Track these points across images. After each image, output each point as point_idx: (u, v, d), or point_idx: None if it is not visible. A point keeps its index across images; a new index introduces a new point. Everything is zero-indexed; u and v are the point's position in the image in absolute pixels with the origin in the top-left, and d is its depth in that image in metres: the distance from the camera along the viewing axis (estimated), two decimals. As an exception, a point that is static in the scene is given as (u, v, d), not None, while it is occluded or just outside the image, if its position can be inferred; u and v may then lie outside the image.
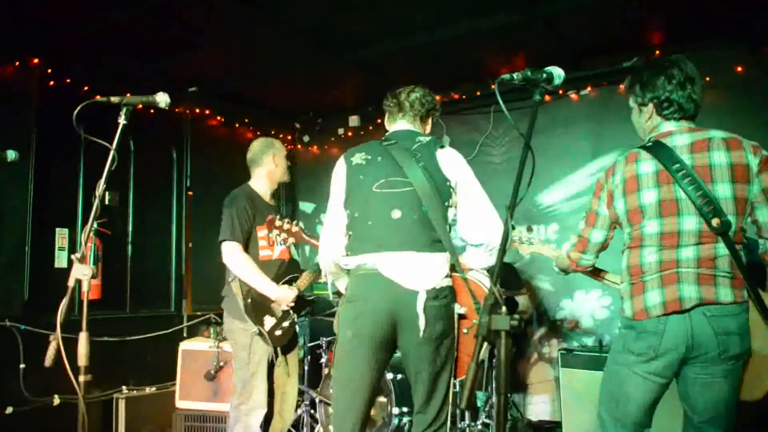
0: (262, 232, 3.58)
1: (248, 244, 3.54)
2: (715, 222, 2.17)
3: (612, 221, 2.43)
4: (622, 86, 5.23)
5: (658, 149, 2.30)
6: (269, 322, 3.50)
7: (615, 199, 2.37)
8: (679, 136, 2.32)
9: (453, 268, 2.64)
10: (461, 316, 2.63)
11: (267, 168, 3.73)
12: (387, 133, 2.91)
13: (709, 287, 2.18)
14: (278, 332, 3.52)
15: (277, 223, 3.19)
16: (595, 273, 2.79)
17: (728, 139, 2.27)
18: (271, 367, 3.65)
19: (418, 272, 2.54)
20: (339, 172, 2.79)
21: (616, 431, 2.36)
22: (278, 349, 3.58)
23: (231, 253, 3.46)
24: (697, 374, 2.24)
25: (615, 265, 2.60)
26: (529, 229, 3.18)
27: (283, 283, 3.56)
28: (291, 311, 3.57)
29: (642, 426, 2.34)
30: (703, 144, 2.27)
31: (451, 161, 2.75)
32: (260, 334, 3.48)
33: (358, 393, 2.57)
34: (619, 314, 5.31)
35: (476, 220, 2.70)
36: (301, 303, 3.63)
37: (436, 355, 2.55)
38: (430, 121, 3.02)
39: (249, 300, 3.47)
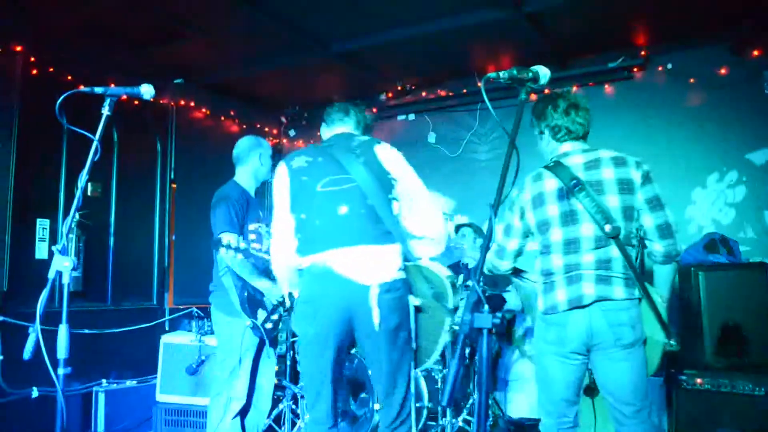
0: (251, 226, 3.60)
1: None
2: (607, 228, 2.52)
3: (524, 231, 2.77)
4: (607, 86, 5.36)
5: (558, 168, 2.66)
6: (261, 315, 3.52)
7: (525, 212, 2.73)
8: (573, 156, 2.69)
9: (406, 257, 2.74)
10: (417, 308, 2.72)
11: (253, 166, 3.74)
12: (326, 138, 3.06)
13: (605, 286, 2.55)
14: (268, 325, 3.53)
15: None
16: (516, 273, 3.07)
17: (615, 157, 2.65)
18: (256, 361, 3.65)
19: (370, 266, 2.62)
20: (281, 178, 2.85)
21: (550, 406, 2.72)
22: (268, 341, 3.61)
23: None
24: (601, 360, 2.60)
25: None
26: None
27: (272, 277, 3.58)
28: (279, 306, 3.57)
29: (570, 402, 2.69)
30: (594, 162, 2.64)
31: (390, 156, 2.85)
32: (254, 326, 3.49)
33: (325, 386, 2.71)
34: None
35: (416, 213, 2.81)
36: (289, 297, 3.64)
37: (392, 348, 2.65)
38: (365, 129, 3.13)
39: (245, 293, 3.49)
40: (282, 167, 2.87)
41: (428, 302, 2.77)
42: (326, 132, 3.08)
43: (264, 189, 6.74)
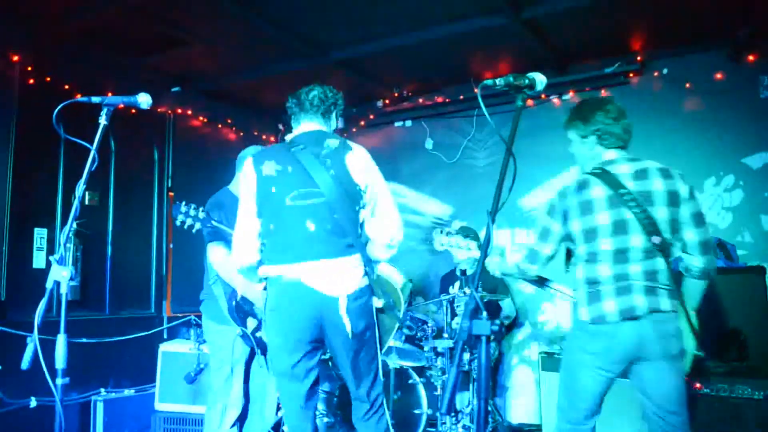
0: None
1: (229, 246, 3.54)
2: (656, 240, 2.52)
3: (562, 237, 2.72)
4: (604, 92, 5.37)
5: (606, 176, 2.61)
6: (251, 323, 3.50)
7: (569, 218, 2.66)
8: (620, 164, 2.65)
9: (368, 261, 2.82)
10: (378, 310, 2.90)
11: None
12: (294, 135, 2.96)
13: (654, 297, 2.54)
14: (259, 333, 3.52)
15: None
16: (541, 281, 3.09)
17: (662, 169, 2.64)
18: (248, 369, 3.65)
19: (337, 279, 2.71)
20: (249, 179, 2.82)
21: (572, 415, 2.70)
22: (260, 350, 3.58)
23: (215, 252, 3.46)
24: (648, 371, 2.58)
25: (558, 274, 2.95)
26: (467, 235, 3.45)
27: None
28: None
29: (593, 413, 2.69)
30: (642, 172, 2.61)
31: (360, 166, 2.84)
32: (244, 335, 3.47)
33: (300, 396, 2.77)
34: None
35: (384, 221, 2.89)
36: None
37: (363, 347, 2.79)
38: (334, 116, 3.06)
39: (233, 302, 3.48)
40: (250, 168, 2.82)
41: (384, 305, 3.01)
42: (294, 125, 3.03)
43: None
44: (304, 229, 2.71)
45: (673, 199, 2.57)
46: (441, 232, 3.15)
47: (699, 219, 2.60)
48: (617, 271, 2.56)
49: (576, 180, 2.68)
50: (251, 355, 3.68)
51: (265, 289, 2.85)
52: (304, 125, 2.96)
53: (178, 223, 3.31)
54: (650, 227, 2.51)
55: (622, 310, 2.53)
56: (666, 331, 2.53)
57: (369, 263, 2.80)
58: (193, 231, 3.39)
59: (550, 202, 2.73)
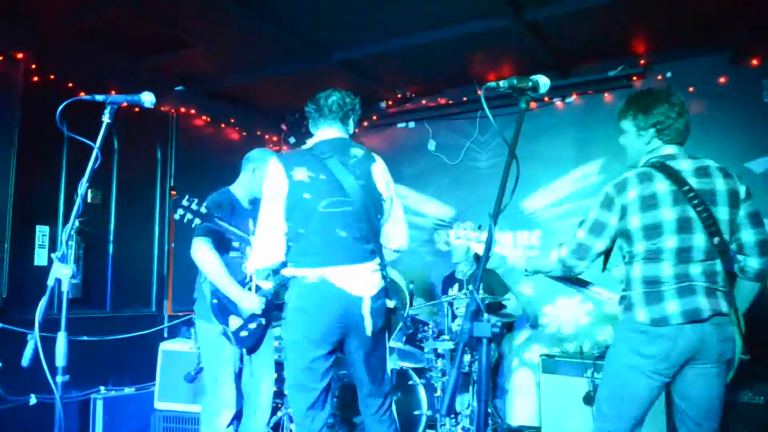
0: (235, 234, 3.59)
1: (220, 243, 3.55)
2: (716, 240, 2.44)
3: (617, 232, 2.55)
4: (607, 95, 5.38)
5: (669, 171, 2.49)
6: (235, 322, 3.50)
7: (629, 213, 2.50)
8: (681, 160, 2.53)
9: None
10: (390, 310, 3.01)
11: (245, 177, 3.75)
12: (317, 142, 3.01)
13: (715, 300, 2.45)
14: (243, 333, 3.51)
15: None
16: (580, 283, 2.94)
17: (722, 168, 2.53)
18: (241, 368, 3.65)
19: (362, 281, 2.84)
20: (279, 184, 2.84)
21: (618, 425, 2.53)
22: (244, 350, 3.57)
23: (200, 248, 3.46)
24: (698, 374, 2.47)
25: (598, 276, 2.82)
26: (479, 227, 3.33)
27: (250, 286, 3.55)
28: (259, 315, 3.55)
29: (639, 423, 2.53)
30: (704, 170, 2.51)
31: (383, 177, 3.00)
32: (224, 333, 3.48)
33: (321, 395, 2.83)
34: (601, 321, 5.38)
35: (396, 230, 3.10)
36: (271, 306, 3.63)
37: (378, 345, 2.93)
38: (352, 122, 3.12)
39: (215, 300, 3.49)
40: (280, 172, 2.84)
41: (395, 306, 3.15)
42: (313, 129, 3.08)
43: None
44: (335, 236, 2.81)
45: (734, 199, 2.49)
46: (457, 226, 3.20)
47: (757, 219, 2.53)
48: (679, 271, 2.46)
49: (636, 172, 2.54)
50: (245, 355, 3.67)
51: (284, 288, 2.99)
52: (325, 131, 3.03)
53: (177, 216, 3.28)
54: (713, 227, 2.43)
55: (685, 311, 2.42)
56: (725, 335, 2.46)
57: (384, 267, 2.96)
58: (192, 226, 3.37)
59: (607, 194, 2.55)
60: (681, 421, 2.57)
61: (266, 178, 2.88)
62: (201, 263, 3.48)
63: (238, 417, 3.66)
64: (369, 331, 2.83)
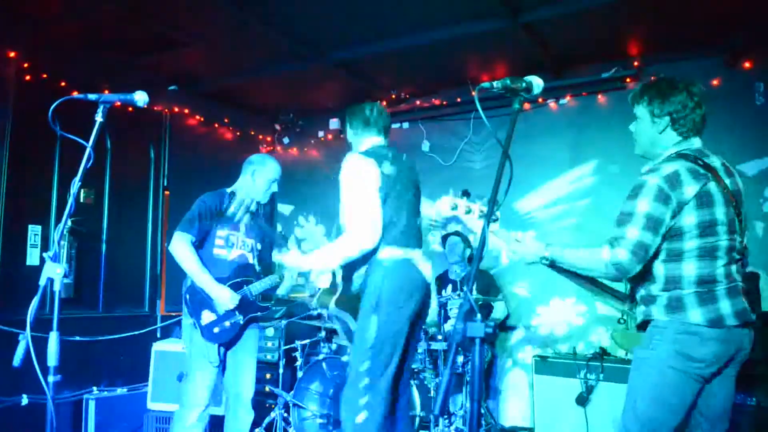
0: (221, 232, 3.61)
1: (204, 240, 3.57)
2: (744, 241, 2.43)
3: (668, 230, 2.37)
4: (600, 96, 5.39)
5: (710, 168, 2.39)
6: (207, 316, 3.50)
7: (686, 210, 2.34)
8: (712, 157, 2.44)
9: None
10: None
11: (244, 179, 3.75)
12: (369, 147, 3.20)
13: (747, 300, 2.40)
14: (216, 329, 3.50)
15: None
16: (599, 283, 2.67)
17: (731, 167, 2.49)
18: (223, 365, 3.63)
19: (427, 266, 3.15)
20: (372, 176, 3.02)
21: None
22: (217, 346, 3.54)
23: (178, 242, 3.50)
24: (724, 376, 2.39)
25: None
26: (466, 194, 3.25)
27: (231, 284, 3.56)
28: (236, 312, 3.55)
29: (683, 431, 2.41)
30: (728, 169, 2.45)
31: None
32: (195, 326, 3.49)
33: (396, 370, 2.94)
34: (595, 322, 5.39)
35: None
36: (250, 307, 3.62)
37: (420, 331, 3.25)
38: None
39: (188, 294, 3.53)
40: (372, 166, 3.02)
41: None
42: (359, 137, 3.29)
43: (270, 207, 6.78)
44: (415, 223, 3.13)
45: (743, 201, 2.48)
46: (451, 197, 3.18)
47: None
48: (728, 271, 2.37)
49: (684, 167, 2.38)
50: (224, 351, 3.63)
51: (272, 291, 3.17)
52: (374, 139, 3.27)
53: (230, 212, 3.37)
54: (742, 227, 2.41)
55: (737, 312, 2.32)
56: (753, 338, 2.42)
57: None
58: (235, 220, 3.44)
59: (660, 188, 2.33)
60: (696, 423, 2.45)
61: (357, 171, 3.02)
62: (178, 257, 3.51)
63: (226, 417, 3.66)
64: (429, 316, 3.07)
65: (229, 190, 3.75)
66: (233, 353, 3.64)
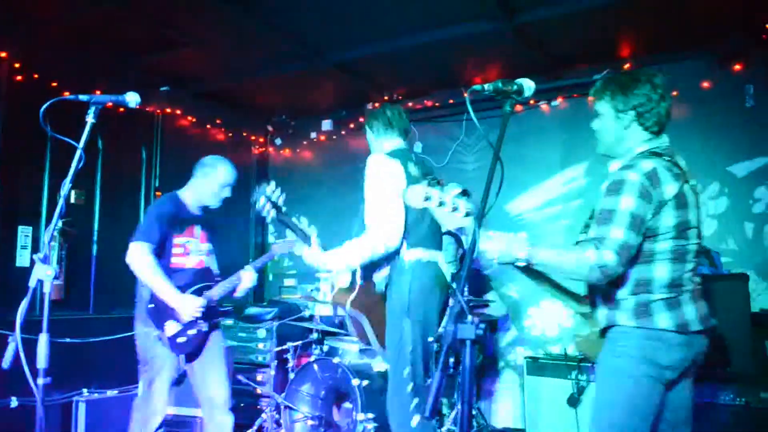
0: (179, 240, 3.53)
1: (161, 250, 3.47)
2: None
3: (645, 231, 2.25)
4: (590, 99, 5.39)
5: (681, 167, 2.32)
6: (172, 327, 3.42)
7: (665, 210, 2.24)
8: (679, 156, 2.36)
9: None
10: None
11: (195, 181, 3.69)
12: (392, 149, 3.26)
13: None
14: (181, 339, 3.43)
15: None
16: (560, 285, 2.62)
17: None
18: (183, 373, 3.59)
19: (447, 268, 3.25)
20: (398, 177, 3.09)
21: None
22: (182, 356, 3.49)
23: (137, 253, 3.40)
24: (686, 380, 2.36)
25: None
26: (438, 183, 3.25)
27: (193, 292, 3.47)
28: (199, 320, 3.47)
29: None
30: (688, 169, 2.38)
31: None
32: (160, 339, 3.42)
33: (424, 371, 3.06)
34: (586, 323, 5.38)
35: None
36: (212, 312, 3.56)
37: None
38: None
39: (152, 304, 3.43)
40: (398, 167, 3.11)
41: None
42: (380, 139, 3.35)
43: (253, 194, 6.74)
44: (437, 225, 3.08)
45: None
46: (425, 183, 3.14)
47: None
48: (691, 276, 2.30)
49: (661, 165, 2.28)
50: (189, 359, 3.56)
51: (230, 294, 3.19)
52: (395, 141, 3.34)
53: (259, 207, 3.11)
54: (701, 231, 2.35)
55: (701, 317, 2.27)
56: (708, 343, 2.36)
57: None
58: (269, 221, 3.23)
59: (641, 184, 2.21)
60: (659, 429, 2.37)
61: (383, 172, 3.08)
62: (136, 268, 3.41)
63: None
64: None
65: (179, 192, 3.68)
66: (199, 359, 3.56)
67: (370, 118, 3.38)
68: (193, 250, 3.57)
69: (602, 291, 2.38)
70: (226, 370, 3.63)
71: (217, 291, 3.57)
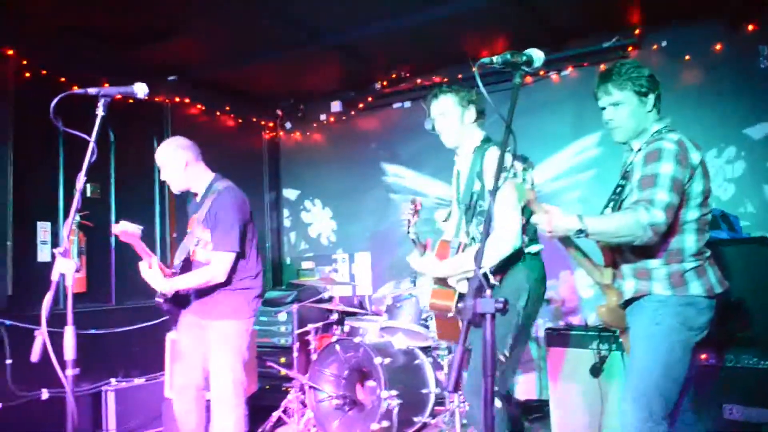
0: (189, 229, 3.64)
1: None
2: None
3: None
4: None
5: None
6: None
7: (695, 178, 2.42)
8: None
9: None
10: None
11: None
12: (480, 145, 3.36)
13: None
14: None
15: None
16: (586, 255, 2.75)
17: None
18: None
19: None
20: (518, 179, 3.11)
21: (672, 408, 2.41)
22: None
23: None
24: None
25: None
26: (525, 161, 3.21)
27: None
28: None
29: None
30: None
31: None
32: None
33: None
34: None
35: None
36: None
37: None
38: None
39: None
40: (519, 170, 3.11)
41: None
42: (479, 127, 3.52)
43: (264, 177, 6.77)
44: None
45: None
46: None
47: None
48: (707, 242, 2.51)
49: (684, 137, 2.45)
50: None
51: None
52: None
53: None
54: None
55: (719, 280, 2.47)
56: None
57: None
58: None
59: (678, 151, 2.37)
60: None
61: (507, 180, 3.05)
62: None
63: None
64: None
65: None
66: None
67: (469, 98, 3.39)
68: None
69: (632, 262, 2.51)
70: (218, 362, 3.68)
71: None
